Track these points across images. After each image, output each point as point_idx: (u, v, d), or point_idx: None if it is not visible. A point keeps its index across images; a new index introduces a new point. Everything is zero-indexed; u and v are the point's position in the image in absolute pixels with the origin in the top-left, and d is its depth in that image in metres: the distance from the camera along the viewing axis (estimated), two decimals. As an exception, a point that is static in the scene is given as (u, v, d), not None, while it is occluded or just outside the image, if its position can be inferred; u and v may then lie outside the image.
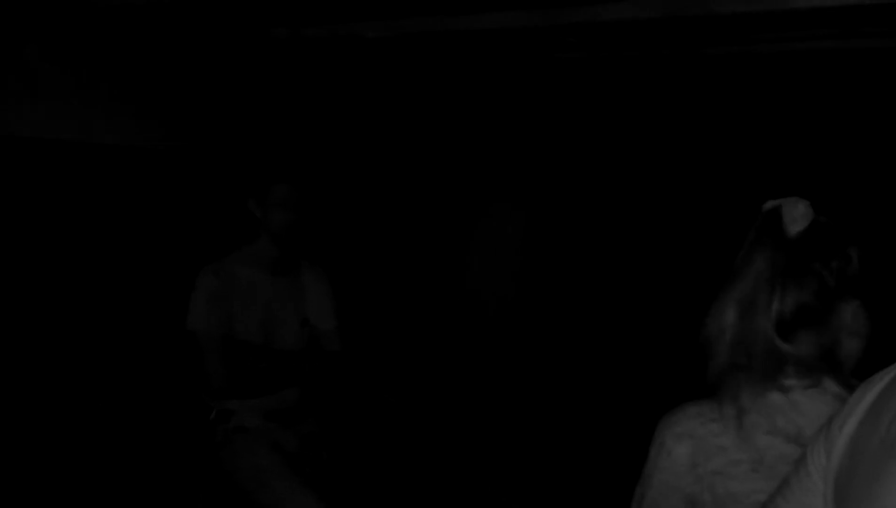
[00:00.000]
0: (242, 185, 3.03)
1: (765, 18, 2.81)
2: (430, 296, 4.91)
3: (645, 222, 5.10)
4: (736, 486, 1.26)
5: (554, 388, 4.76)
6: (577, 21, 3.00)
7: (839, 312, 1.27)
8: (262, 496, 2.71)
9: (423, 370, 4.62)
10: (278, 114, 4.10)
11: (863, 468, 0.88)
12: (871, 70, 3.69)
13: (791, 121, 4.51)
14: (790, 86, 4.25)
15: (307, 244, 3.08)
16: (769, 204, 1.33)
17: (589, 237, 5.20)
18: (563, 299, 5.19)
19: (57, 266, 3.29)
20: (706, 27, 3.08)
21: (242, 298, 2.90)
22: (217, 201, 3.70)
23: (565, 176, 5.25)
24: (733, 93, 4.52)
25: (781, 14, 2.69)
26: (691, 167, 4.95)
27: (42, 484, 3.10)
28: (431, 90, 4.70)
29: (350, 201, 4.44)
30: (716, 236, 4.26)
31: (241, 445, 2.84)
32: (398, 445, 3.90)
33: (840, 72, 3.85)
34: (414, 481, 3.70)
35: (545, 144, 5.24)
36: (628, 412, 3.10)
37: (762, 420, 1.25)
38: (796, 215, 1.28)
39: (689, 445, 1.31)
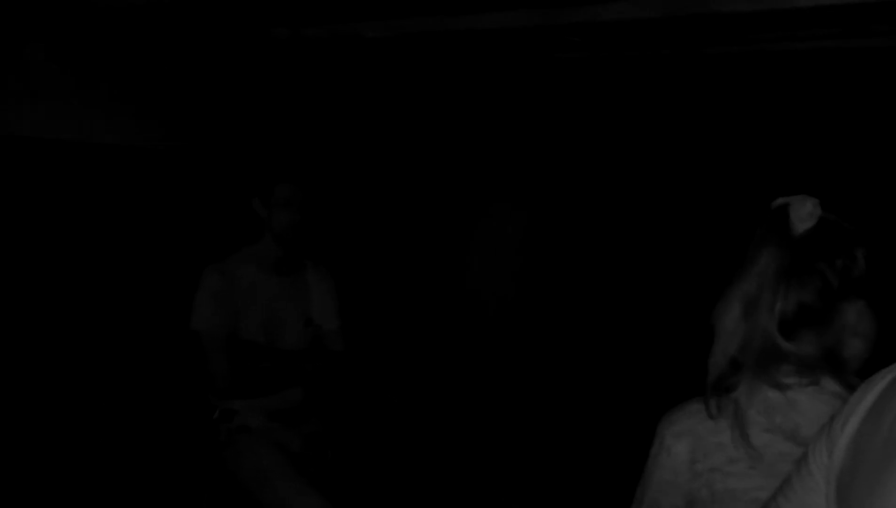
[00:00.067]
0: (246, 185, 3.04)
1: (767, 17, 2.81)
2: (432, 296, 4.92)
3: (646, 221, 5.10)
4: (734, 483, 1.26)
5: (555, 388, 4.76)
6: (578, 21, 3.01)
7: (842, 312, 1.27)
8: (266, 495, 2.72)
9: (426, 370, 4.63)
10: (280, 114, 4.10)
11: (865, 467, 0.89)
12: (873, 69, 3.69)
13: (794, 120, 4.51)
14: (793, 85, 4.26)
15: (311, 244, 3.08)
16: (778, 202, 1.33)
17: (590, 237, 5.20)
18: (564, 298, 5.19)
19: (60, 266, 3.29)
20: (708, 26, 3.09)
21: (246, 298, 2.91)
22: (221, 201, 3.71)
23: (566, 176, 5.25)
24: (735, 92, 4.52)
25: (784, 13, 2.69)
26: (693, 167, 4.95)
27: (46, 484, 3.11)
28: (433, 90, 4.70)
29: (353, 201, 4.44)
30: (717, 236, 4.26)
31: (245, 445, 2.84)
32: (401, 445, 3.91)
33: (843, 71, 3.85)
34: (417, 481, 3.71)
35: (546, 144, 5.24)
36: (630, 412, 3.10)
37: (760, 418, 1.25)
38: (803, 214, 1.28)
39: (689, 442, 1.31)
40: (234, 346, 2.86)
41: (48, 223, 3.25)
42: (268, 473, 2.75)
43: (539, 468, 4.06)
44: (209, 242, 3.41)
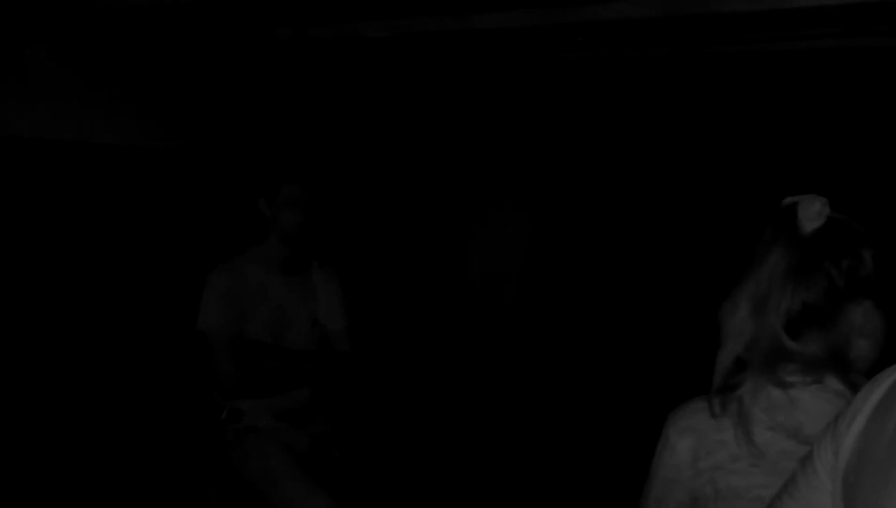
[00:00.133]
0: (252, 185, 3.05)
1: (768, 17, 2.81)
2: (436, 295, 4.92)
3: (648, 221, 5.11)
4: (736, 481, 1.27)
5: (560, 387, 4.77)
6: (579, 21, 3.01)
7: (848, 312, 1.27)
8: (273, 495, 2.72)
9: (433, 370, 4.63)
10: (285, 114, 4.11)
11: (871, 467, 0.89)
12: (875, 68, 3.69)
13: (797, 120, 4.51)
14: (795, 85, 4.26)
15: (317, 244, 3.09)
16: (787, 200, 1.33)
17: (592, 237, 5.21)
18: (567, 298, 5.20)
19: (64, 267, 3.30)
20: (710, 26, 3.09)
21: (253, 298, 2.92)
22: (226, 201, 3.71)
23: (568, 176, 5.26)
24: (737, 92, 4.52)
25: (785, 13, 2.70)
26: (696, 167, 4.95)
27: (54, 483, 3.12)
28: (435, 90, 4.70)
29: (357, 202, 4.45)
30: (720, 236, 4.27)
31: (252, 445, 2.85)
32: (408, 445, 3.91)
33: (845, 70, 3.85)
34: (424, 480, 3.72)
35: (549, 144, 5.24)
36: (635, 411, 3.11)
37: (764, 416, 1.26)
38: (812, 213, 1.28)
39: (692, 440, 1.32)
40: (241, 346, 2.87)
41: (52, 224, 3.26)
42: (275, 473, 2.76)
43: (545, 467, 4.07)
44: (215, 242, 3.42)
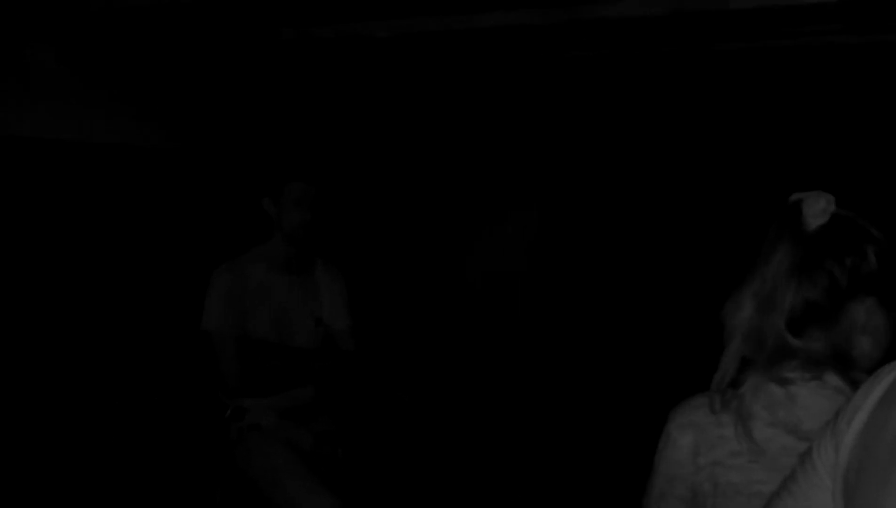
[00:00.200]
0: (256, 184, 3.05)
1: (775, 13, 2.80)
2: (441, 295, 4.92)
3: (654, 221, 5.09)
4: (736, 476, 1.27)
5: (564, 386, 4.76)
6: (587, 18, 3.00)
7: (850, 310, 1.26)
8: (277, 494, 2.73)
9: (437, 369, 4.63)
10: (289, 113, 4.11)
11: (873, 466, 0.88)
12: (883, 65, 3.67)
13: (806, 117, 4.49)
14: (803, 81, 4.24)
15: (321, 243, 3.09)
16: (794, 197, 1.33)
17: (597, 237, 5.20)
18: (572, 298, 5.19)
19: (69, 267, 3.31)
20: (716, 23, 3.08)
21: (257, 297, 2.92)
22: (230, 200, 3.72)
23: (574, 177, 5.25)
24: (745, 90, 4.50)
25: (791, 9, 2.68)
26: (702, 166, 4.94)
27: (59, 482, 3.13)
28: (441, 90, 4.70)
29: (362, 201, 4.45)
30: (726, 233, 4.25)
31: (256, 443, 2.85)
32: (412, 443, 3.91)
33: (854, 66, 3.83)
34: (427, 479, 3.71)
35: (555, 144, 5.24)
36: (641, 410, 3.10)
37: (764, 413, 1.26)
38: (816, 210, 1.28)
39: (692, 435, 1.32)
40: (245, 345, 2.87)
41: (56, 224, 3.27)
42: (279, 471, 2.76)
43: (548, 465, 4.06)
44: (219, 242, 3.42)
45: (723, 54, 3.65)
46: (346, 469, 3.00)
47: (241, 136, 3.93)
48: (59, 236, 3.28)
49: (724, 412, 1.29)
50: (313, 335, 3.03)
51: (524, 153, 5.20)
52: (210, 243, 3.53)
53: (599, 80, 4.62)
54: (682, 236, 4.90)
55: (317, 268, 3.11)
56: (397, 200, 4.75)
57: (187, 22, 3.34)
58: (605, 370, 4.81)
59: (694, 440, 1.32)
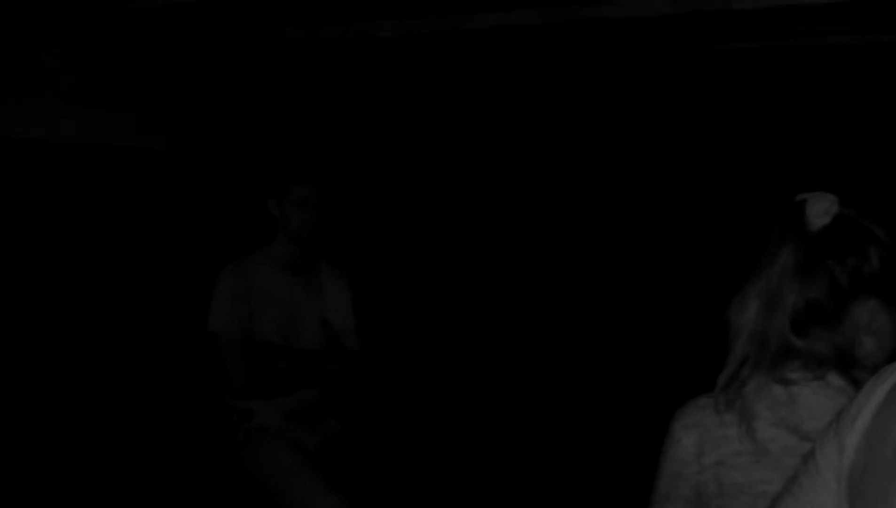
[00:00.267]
0: (261, 185, 3.05)
1: (783, 13, 2.80)
2: (445, 295, 4.92)
3: (657, 221, 5.09)
4: (739, 476, 1.28)
5: (569, 387, 4.76)
6: (590, 18, 3.00)
7: (853, 310, 1.27)
8: (284, 495, 2.74)
9: (441, 369, 4.64)
10: (295, 115, 4.12)
11: (877, 468, 0.88)
12: (890, 65, 3.66)
13: (812, 118, 4.49)
14: (809, 82, 4.23)
15: (325, 244, 3.10)
16: (798, 198, 1.33)
17: (601, 237, 5.20)
18: (576, 299, 5.19)
19: (80, 268, 3.32)
20: (720, 23, 3.08)
21: (262, 298, 2.93)
22: (236, 202, 3.73)
23: (577, 177, 5.25)
24: (748, 90, 4.50)
25: (796, 8, 2.68)
26: (706, 166, 4.93)
27: (67, 484, 3.14)
28: (445, 90, 4.71)
29: (366, 201, 4.45)
30: (728, 235, 4.25)
31: (263, 444, 2.86)
32: (418, 443, 3.92)
33: (860, 67, 3.82)
34: (433, 479, 3.72)
35: (558, 144, 5.23)
36: (645, 410, 3.10)
37: (766, 412, 1.26)
38: (820, 211, 1.28)
39: (697, 435, 1.33)
40: (251, 347, 2.88)
41: (64, 226, 3.28)
42: (286, 472, 2.77)
43: (554, 466, 4.06)
44: (225, 243, 3.43)
45: (725, 54, 3.65)
46: (352, 470, 3.01)
47: (246, 137, 3.94)
48: (65, 238, 3.29)
49: (727, 412, 1.30)
50: (318, 336, 3.03)
51: (529, 154, 5.20)
52: (215, 245, 3.54)
53: (601, 80, 4.62)
54: (685, 236, 4.90)
55: (321, 269, 3.12)
56: (401, 200, 4.75)
57: (192, 23, 3.35)
58: (609, 371, 4.81)
59: (698, 440, 1.33)
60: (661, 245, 5.03)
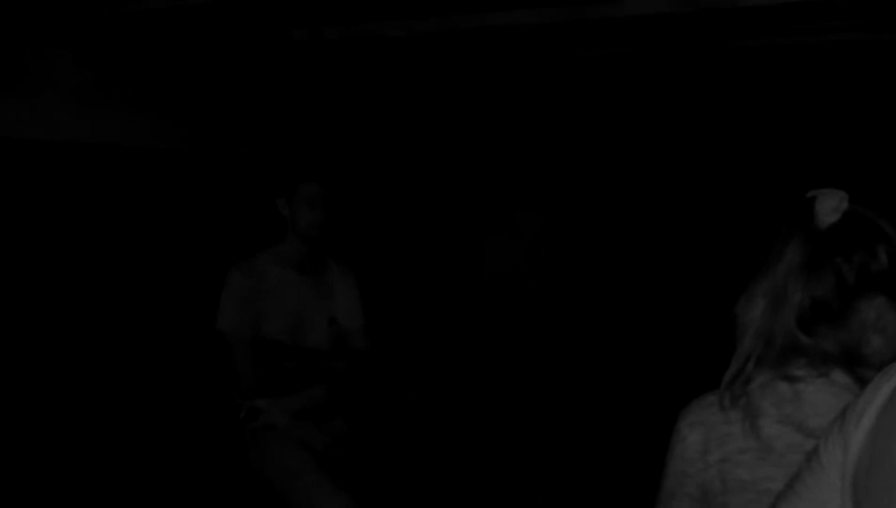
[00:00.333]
0: (271, 185, 3.06)
1: (788, 10, 2.79)
2: (452, 294, 4.92)
3: (660, 220, 5.08)
4: (744, 473, 1.27)
5: (574, 387, 4.76)
6: (597, 17, 3.00)
7: (859, 308, 1.26)
8: (291, 494, 2.74)
9: (448, 369, 4.64)
10: (303, 114, 4.13)
11: (883, 468, 0.87)
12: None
13: (822, 115, 4.47)
14: (818, 79, 4.21)
15: (334, 243, 3.10)
16: (809, 194, 1.32)
17: (603, 238, 5.19)
18: (578, 299, 5.18)
19: (90, 268, 3.34)
20: (728, 21, 3.07)
21: (271, 297, 2.93)
22: (245, 201, 3.74)
23: (580, 176, 5.24)
24: (754, 89, 4.49)
25: (805, 6, 2.67)
26: (710, 165, 4.92)
27: (74, 482, 3.15)
28: (451, 90, 4.71)
29: (373, 201, 4.46)
30: (733, 233, 4.24)
31: (270, 444, 2.86)
32: (425, 443, 3.92)
33: (869, 64, 3.81)
34: (440, 478, 3.72)
35: (561, 144, 5.23)
36: (649, 409, 3.10)
37: (772, 409, 1.26)
38: (829, 208, 1.28)
39: (702, 433, 1.33)
40: (259, 346, 2.89)
41: (71, 226, 3.30)
42: (293, 471, 2.77)
43: (559, 465, 4.06)
44: (234, 243, 3.44)
45: (731, 52, 3.64)
46: (360, 470, 3.01)
47: (255, 137, 3.95)
48: (76, 237, 3.30)
49: (732, 409, 1.29)
50: (327, 335, 3.04)
51: (532, 153, 5.19)
52: (224, 244, 3.55)
53: (605, 79, 4.61)
54: (692, 234, 4.88)
55: (329, 268, 3.12)
56: (408, 200, 4.76)
57: (200, 24, 3.37)
58: (612, 371, 4.80)
59: (703, 437, 1.32)
60: (669, 244, 5.02)
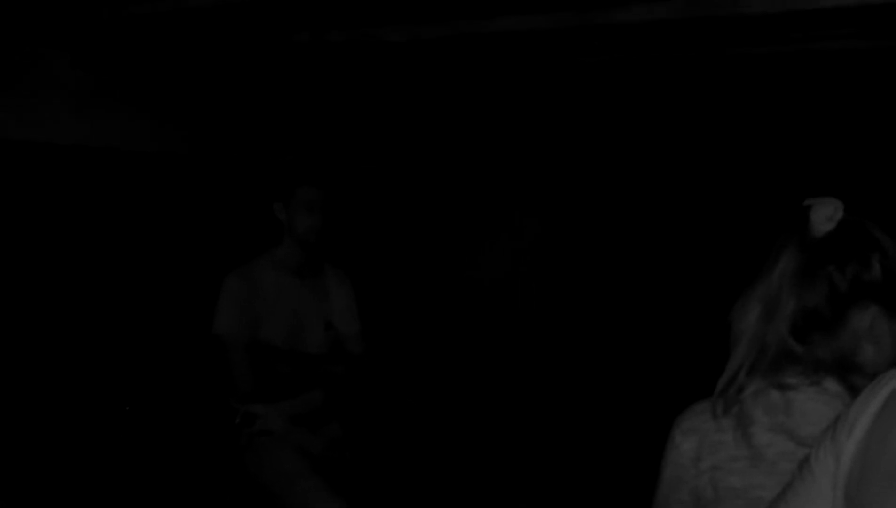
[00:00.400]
0: (268, 189, 3.06)
1: (790, 18, 2.79)
2: (448, 299, 4.92)
3: (659, 226, 5.08)
4: (735, 481, 1.27)
5: (570, 391, 4.76)
6: (601, 23, 3.00)
7: (852, 317, 1.26)
8: (287, 498, 2.74)
9: (444, 373, 4.63)
10: (302, 118, 4.13)
11: (875, 477, 0.87)
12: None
13: (820, 123, 4.47)
14: (820, 87, 4.21)
15: (330, 248, 3.10)
16: (805, 203, 1.33)
17: (603, 242, 5.19)
18: (577, 303, 5.18)
19: (87, 271, 3.34)
20: (730, 27, 3.07)
21: (268, 302, 2.93)
22: (242, 205, 3.74)
23: (581, 181, 5.24)
24: (755, 95, 4.48)
25: (807, 14, 2.67)
26: (710, 172, 4.92)
27: (70, 486, 3.15)
28: (451, 95, 4.71)
29: (371, 205, 4.46)
30: (731, 240, 4.24)
31: (266, 448, 2.86)
32: (420, 447, 3.92)
33: (869, 72, 3.81)
34: (436, 482, 3.72)
35: (562, 148, 5.23)
36: (646, 414, 3.10)
37: (763, 417, 1.26)
38: (824, 216, 1.28)
39: (695, 440, 1.33)
40: (256, 350, 2.89)
41: (70, 229, 3.30)
42: (289, 476, 2.77)
43: (555, 470, 4.06)
44: (231, 247, 3.44)
45: (733, 59, 3.64)
46: (356, 474, 3.00)
47: (255, 141, 3.95)
48: (74, 240, 3.30)
49: (725, 416, 1.30)
50: (323, 339, 3.04)
51: (533, 158, 5.20)
52: (222, 248, 3.55)
53: (608, 84, 4.61)
54: (690, 239, 4.88)
55: (326, 272, 3.12)
56: (405, 204, 4.76)
57: (201, 27, 3.37)
58: (610, 375, 4.80)
59: (696, 444, 1.33)
60: (663, 248, 5.02)
